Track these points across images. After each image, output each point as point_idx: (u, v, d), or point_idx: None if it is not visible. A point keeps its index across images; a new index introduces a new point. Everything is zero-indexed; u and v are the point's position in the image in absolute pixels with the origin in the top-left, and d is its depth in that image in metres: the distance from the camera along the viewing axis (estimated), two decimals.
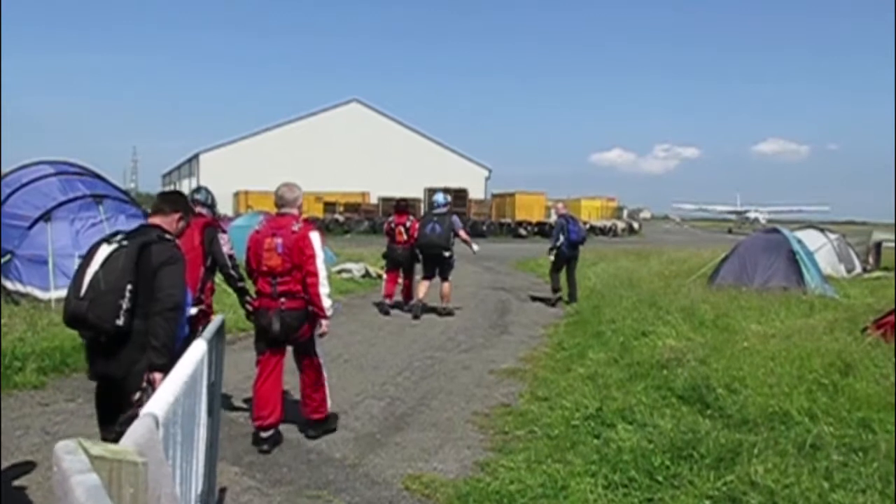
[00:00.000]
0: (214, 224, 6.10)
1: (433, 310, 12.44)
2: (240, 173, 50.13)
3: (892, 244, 23.59)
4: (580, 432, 5.73)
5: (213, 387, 3.46)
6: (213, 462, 3.65)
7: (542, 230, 45.23)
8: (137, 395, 3.78)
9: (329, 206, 46.31)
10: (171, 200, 4.51)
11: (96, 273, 3.91)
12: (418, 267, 12.71)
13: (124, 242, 4.01)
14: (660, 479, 4.73)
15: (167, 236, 4.20)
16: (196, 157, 58.71)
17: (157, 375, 3.75)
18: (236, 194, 48.02)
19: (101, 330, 3.89)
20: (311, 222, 6.22)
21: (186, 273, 4.30)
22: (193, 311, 5.23)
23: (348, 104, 61.02)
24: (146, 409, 2.01)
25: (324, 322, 5.69)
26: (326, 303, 5.56)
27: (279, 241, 5.56)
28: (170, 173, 75.76)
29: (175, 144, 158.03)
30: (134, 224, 10.96)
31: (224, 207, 43.16)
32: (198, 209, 6.02)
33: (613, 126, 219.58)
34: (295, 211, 5.78)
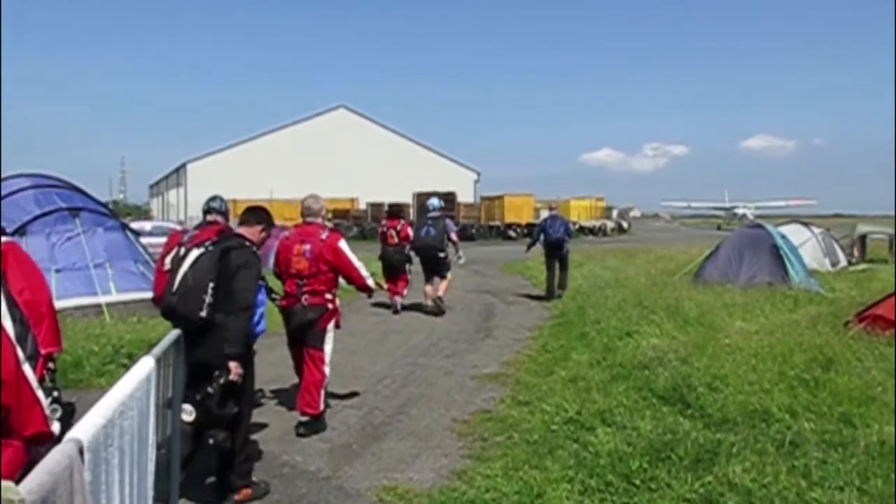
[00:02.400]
0: (228, 231, 6.18)
1: (419, 308, 13.06)
2: (228, 182, 49.64)
3: (878, 236, 23.69)
4: (559, 437, 5.67)
5: (170, 403, 3.38)
6: (173, 478, 3.56)
7: (532, 232, 45.17)
8: (216, 373, 4.43)
9: None
10: (256, 214, 5.19)
11: (186, 272, 4.55)
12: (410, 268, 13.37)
13: (210, 247, 4.62)
14: (637, 482, 4.67)
15: (247, 244, 4.80)
16: (183, 166, 58.47)
17: (232, 364, 4.48)
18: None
19: (189, 320, 4.45)
20: (337, 230, 6.95)
21: None
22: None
23: (336, 110, 60.94)
24: (70, 434, 1.92)
25: (372, 295, 7.11)
26: (371, 283, 6.59)
27: (307, 247, 6.22)
28: (157, 183, 75.45)
29: (163, 153, 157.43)
30: (113, 237, 11.01)
31: None
32: (214, 217, 6.22)
33: (602, 126, 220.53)
34: (319, 220, 6.49)
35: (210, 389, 4.42)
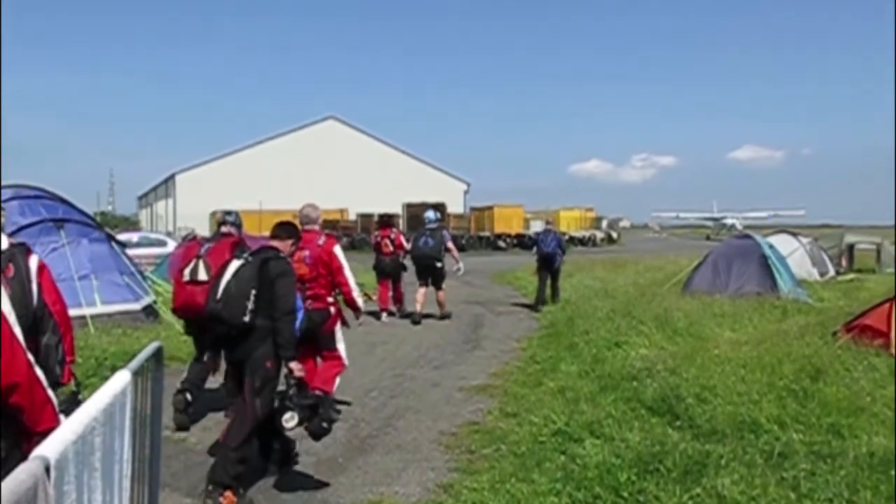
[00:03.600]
0: (242, 243, 6.62)
1: (411, 315, 13.34)
2: (217, 193, 49.69)
3: (866, 246, 23.83)
4: (547, 449, 5.61)
5: (148, 418, 3.31)
6: (152, 497, 3.48)
7: (522, 242, 45.21)
8: (286, 375, 4.99)
9: None
10: (286, 229, 5.58)
11: (229, 282, 4.95)
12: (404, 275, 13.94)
13: (250, 259, 5.06)
14: (625, 495, 4.62)
15: (282, 255, 5.23)
16: (172, 177, 58.31)
17: (293, 364, 4.99)
18: (213, 214, 47.53)
19: (232, 325, 4.91)
20: (334, 236, 7.34)
21: None
22: None
23: (325, 121, 61.00)
24: (36, 452, 1.86)
25: (360, 317, 6.99)
26: (360, 302, 6.82)
27: (307, 253, 6.47)
28: (146, 194, 75.15)
29: (151, 165, 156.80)
30: (98, 248, 10.91)
31: (201, 228, 42.81)
32: (228, 229, 6.96)
33: (591, 137, 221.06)
34: (317, 227, 6.84)
35: (290, 391, 4.95)
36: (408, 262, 14.06)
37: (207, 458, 5.64)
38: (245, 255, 5.12)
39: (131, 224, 70.53)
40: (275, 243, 5.39)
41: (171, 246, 23.17)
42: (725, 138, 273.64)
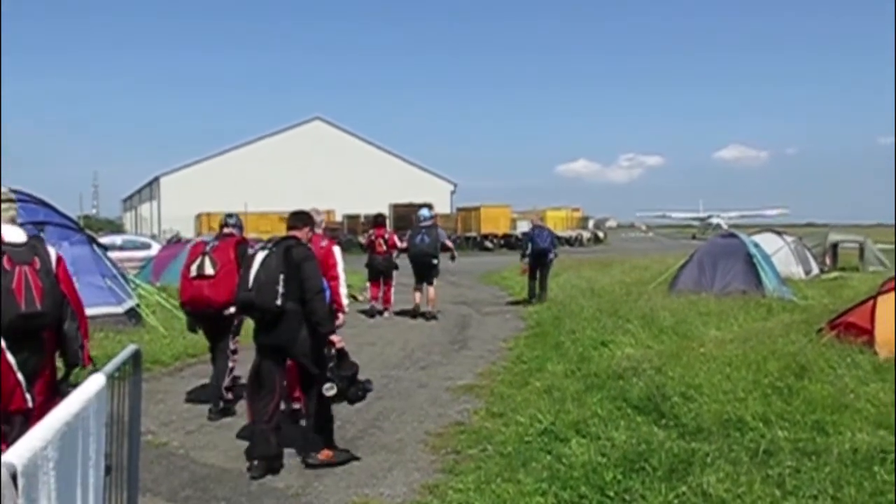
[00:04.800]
0: (244, 242, 7.30)
1: (398, 315, 13.74)
2: (201, 195, 49.47)
3: (849, 245, 24.01)
4: (533, 448, 5.58)
5: (129, 422, 3.26)
6: (131, 502, 3.43)
7: (509, 242, 45.23)
8: (327, 349, 5.44)
9: None
10: (300, 218, 5.94)
11: (258, 271, 5.39)
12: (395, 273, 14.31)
13: (273, 248, 5.50)
14: (611, 494, 4.61)
15: (301, 242, 5.68)
16: (156, 180, 57.92)
17: (335, 338, 5.47)
18: (198, 216, 47.29)
19: (266, 310, 5.35)
20: (334, 239, 7.81)
21: (226, 280, 6.60)
22: (231, 310, 6.58)
23: (311, 122, 60.77)
24: (3, 458, 1.81)
25: (340, 315, 6.64)
26: (345, 301, 6.76)
27: None
28: (130, 197, 74.65)
29: (135, 168, 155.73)
30: (79, 251, 10.78)
31: (186, 230, 42.50)
32: (230, 230, 7.43)
33: (578, 137, 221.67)
34: (319, 231, 7.04)
35: (331, 363, 5.42)
36: (400, 261, 14.28)
37: (189, 462, 5.61)
38: (268, 245, 5.56)
39: (116, 227, 70.06)
40: (293, 233, 5.76)
41: (156, 249, 23.01)
42: (711, 138, 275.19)
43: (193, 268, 6.96)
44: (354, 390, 5.57)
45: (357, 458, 5.64)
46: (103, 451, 2.67)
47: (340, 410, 7.10)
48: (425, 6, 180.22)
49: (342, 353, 5.53)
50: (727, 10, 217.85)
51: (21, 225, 4.34)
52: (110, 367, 2.93)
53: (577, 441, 5.58)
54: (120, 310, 10.78)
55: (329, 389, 5.42)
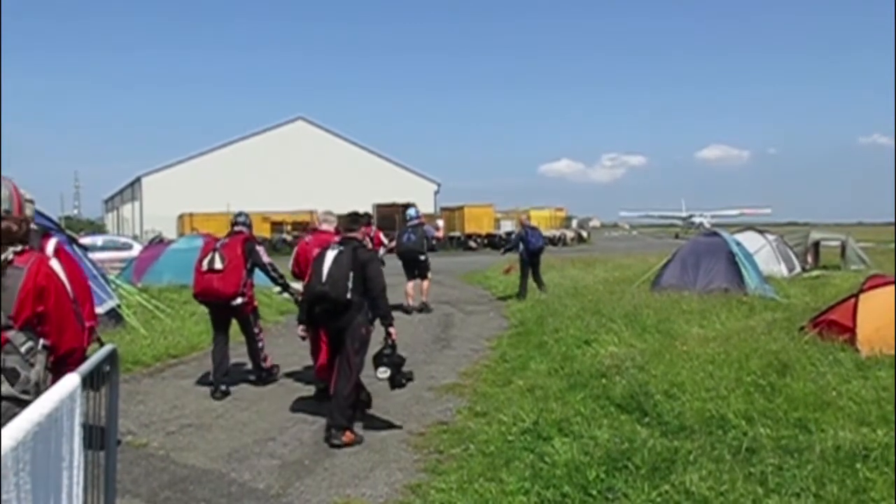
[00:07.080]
0: (252, 239, 8.03)
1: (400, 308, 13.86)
2: (183, 196, 49.06)
3: (831, 243, 24.19)
4: (515, 448, 5.55)
5: (106, 423, 3.19)
6: (109, 497, 3.36)
7: (492, 242, 45.26)
8: (385, 338, 6.27)
9: (277, 226, 45.37)
10: (357, 220, 6.63)
11: (330, 267, 6.06)
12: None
13: (342, 248, 6.19)
14: (594, 493, 4.58)
15: (364, 243, 6.39)
16: (138, 180, 57.40)
17: (392, 329, 6.26)
18: (181, 217, 46.90)
19: (337, 302, 6.02)
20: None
21: (233, 273, 7.60)
22: (238, 301, 7.66)
23: (294, 122, 60.46)
24: None
25: None
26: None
27: (318, 251, 7.00)
28: (111, 198, 73.96)
29: (117, 168, 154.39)
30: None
31: (168, 231, 42.11)
32: (240, 228, 8.08)
33: (561, 137, 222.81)
34: (331, 229, 7.78)
35: (386, 351, 6.25)
36: (387, 259, 14.20)
37: (169, 463, 5.53)
38: (337, 246, 6.24)
39: (97, 228, 69.40)
40: (353, 234, 6.41)
41: (137, 249, 22.78)
42: (693, 138, 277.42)
43: (205, 262, 7.70)
44: (400, 377, 6.36)
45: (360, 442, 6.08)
46: (79, 452, 2.61)
47: (322, 412, 7.08)
48: (410, 7, 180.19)
49: (395, 344, 6.29)
50: (711, 11, 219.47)
51: (38, 225, 4.25)
52: (85, 366, 2.86)
53: (560, 440, 5.55)
54: (100, 310, 10.61)
55: (383, 373, 6.23)
